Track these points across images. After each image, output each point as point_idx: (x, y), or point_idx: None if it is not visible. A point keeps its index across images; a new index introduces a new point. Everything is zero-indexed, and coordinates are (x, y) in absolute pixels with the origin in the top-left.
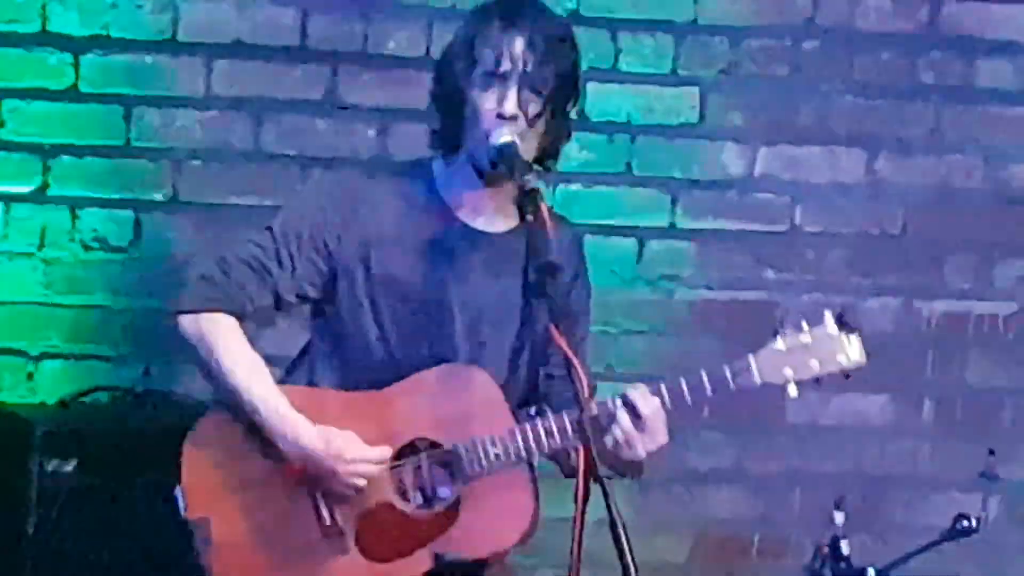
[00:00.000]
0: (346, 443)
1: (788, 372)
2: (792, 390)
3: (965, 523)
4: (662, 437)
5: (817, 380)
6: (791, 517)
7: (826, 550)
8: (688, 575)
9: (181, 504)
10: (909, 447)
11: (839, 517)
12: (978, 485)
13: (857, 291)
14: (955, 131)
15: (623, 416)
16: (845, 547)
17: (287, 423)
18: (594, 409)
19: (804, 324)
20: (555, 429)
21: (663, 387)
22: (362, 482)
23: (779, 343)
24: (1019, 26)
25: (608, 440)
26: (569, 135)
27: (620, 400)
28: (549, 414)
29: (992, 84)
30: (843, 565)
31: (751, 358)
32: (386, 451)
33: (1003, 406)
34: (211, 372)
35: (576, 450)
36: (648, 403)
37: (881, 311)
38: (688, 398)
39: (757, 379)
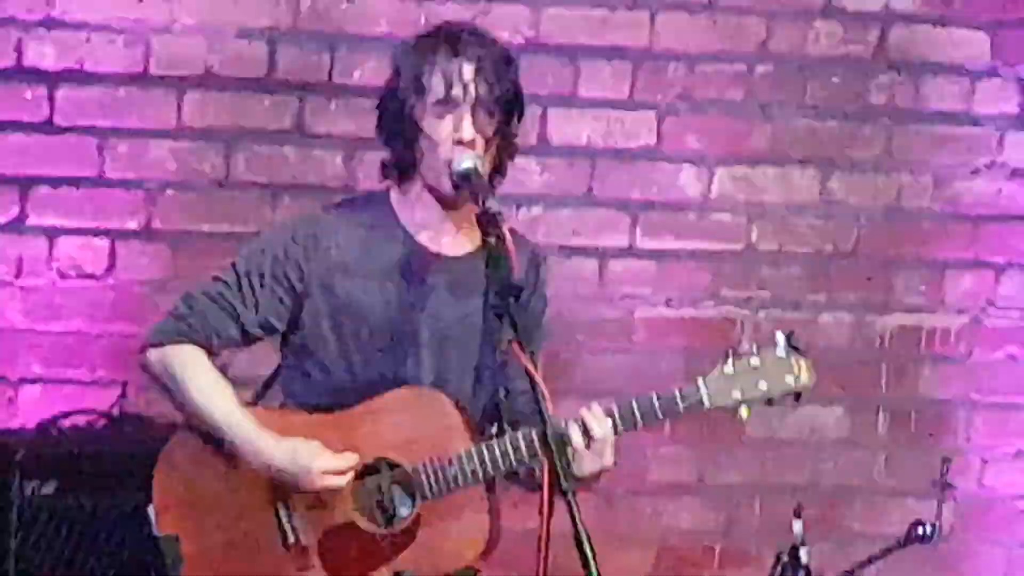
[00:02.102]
0: (311, 455)
1: (736, 395)
2: (744, 412)
3: (921, 530)
4: (608, 459)
5: (769, 402)
6: (752, 527)
7: (786, 559)
8: None
9: (152, 522)
10: (865, 457)
11: (798, 526)
12: (933, 493)
13: (812, 307)
14: (905, 151)
15: (574, 433)
16: (804, 555)
17: (253, 441)
18: (560, 424)
19: (754, 347)
20: (510, 450)
21: (615, 409)
22: (334, 487)
23: (728, 366)
24: (966, 48)
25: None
26: (515, 151)
27: (575, 420)
28: (506, 435)
29: (940, 105)
30: (803, 573)
31: (700, 382)
32: (351, 457)
33: (955, 416)
34: (178, 399)
35: (540, 466)
36: (601, 425)
37: (835, 326)
38: (639, 421)
39: (707, 403)
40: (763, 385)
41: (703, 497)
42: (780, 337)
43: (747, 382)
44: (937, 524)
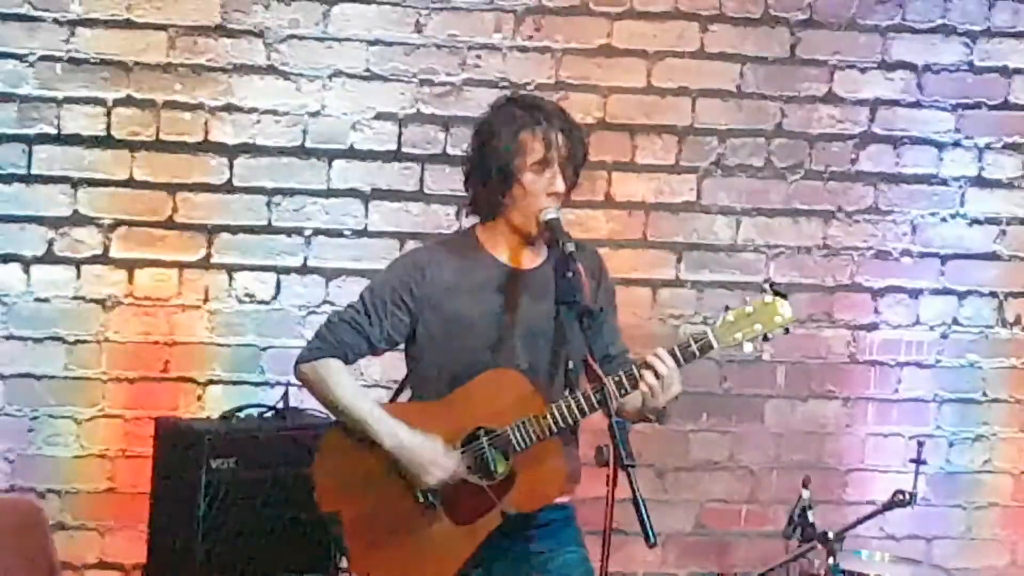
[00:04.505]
0: (428, 451)
1: (738, 335)
2: (747, 347)
3: (901, 497)
4: (677, 387)
5: (765, 337)
6: (770, 495)
7: (797, 519)
8: (693, 541)
9: (317, 502)
10: (858, 440)
11: (806, 494)
12: (910, 468)
13: (817, 325)
14: (888, 204)
15: (648, 374)
16: (811, 516)
17: (389, 427)
18: (614, 404)
19: (747, 299)
20: (574, 407)
21: (675, 348)
22: (439, 477)
23: (729, 315)
24: (935, 125)
25: (637, 396)
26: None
27: (643, 363)
28: (570, 398)
29: (915, 170)
30: (810, 530)
31: (708, 329)
32: (453, 462)
33: (928, 409)
34: (328, 401)
35: (606, 445)
36: (666, 362)
37: (835, 340)
38: (680, 358)
39: (715, 344)
40: (757, 326)
41: (733, 472)
42: (766, 286)
43: (745, 325)
44: (914, 492)
